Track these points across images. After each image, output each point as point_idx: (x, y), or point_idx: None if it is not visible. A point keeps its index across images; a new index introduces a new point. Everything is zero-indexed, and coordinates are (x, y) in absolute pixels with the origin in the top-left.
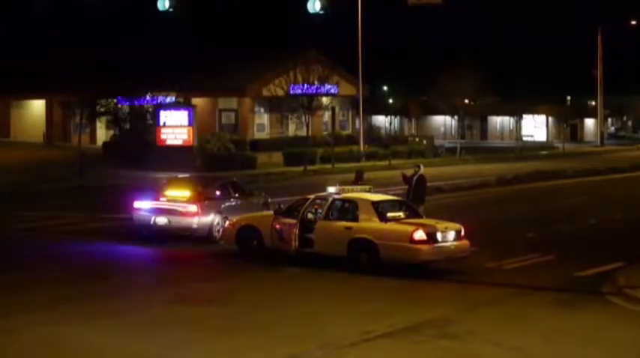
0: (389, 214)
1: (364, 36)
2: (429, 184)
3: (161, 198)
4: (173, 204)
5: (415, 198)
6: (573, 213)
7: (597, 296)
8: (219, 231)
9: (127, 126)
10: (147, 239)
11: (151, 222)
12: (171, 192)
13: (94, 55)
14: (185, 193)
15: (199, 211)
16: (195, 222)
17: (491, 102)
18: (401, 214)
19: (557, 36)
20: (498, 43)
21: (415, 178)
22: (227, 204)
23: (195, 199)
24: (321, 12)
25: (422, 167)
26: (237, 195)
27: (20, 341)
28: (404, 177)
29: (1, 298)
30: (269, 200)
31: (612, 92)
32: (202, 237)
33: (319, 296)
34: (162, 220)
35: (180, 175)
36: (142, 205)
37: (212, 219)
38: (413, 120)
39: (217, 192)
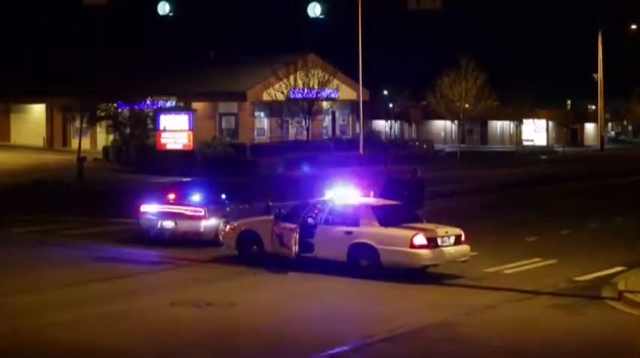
0: (389, 219)
1: (364, 40)
2: (428, 189)
3: (167, 202)
4: (180, 207)
5: (414, 203)
6: (573, 217)
7: (597, 301)
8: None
9: (128, 130)
10: (152, 242)
11: (158, 225)
12: (178, 196)
13: (94, 59)
14: (191, 197)
15: (206, 215)
16: (202, 225)
17: (492, 106)
18: (401, 219)
19: (557, 40)
20: (498, 47)
21: (413, 182)
22: (231, 207)
23: (202, 203)
24: (321, 16)
25: (419, 171)
26: (239, 199)
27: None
28: (402, 181)
29: (3, 301)
30: (270, 204)
31: (613, 96)
32: (209, 241)
33: (319, 300)
34: (169, 224)
35: (185, 179)
36: (149, 209)
37: (218, 222)
38: (413, 125)
39: (222, 196)
